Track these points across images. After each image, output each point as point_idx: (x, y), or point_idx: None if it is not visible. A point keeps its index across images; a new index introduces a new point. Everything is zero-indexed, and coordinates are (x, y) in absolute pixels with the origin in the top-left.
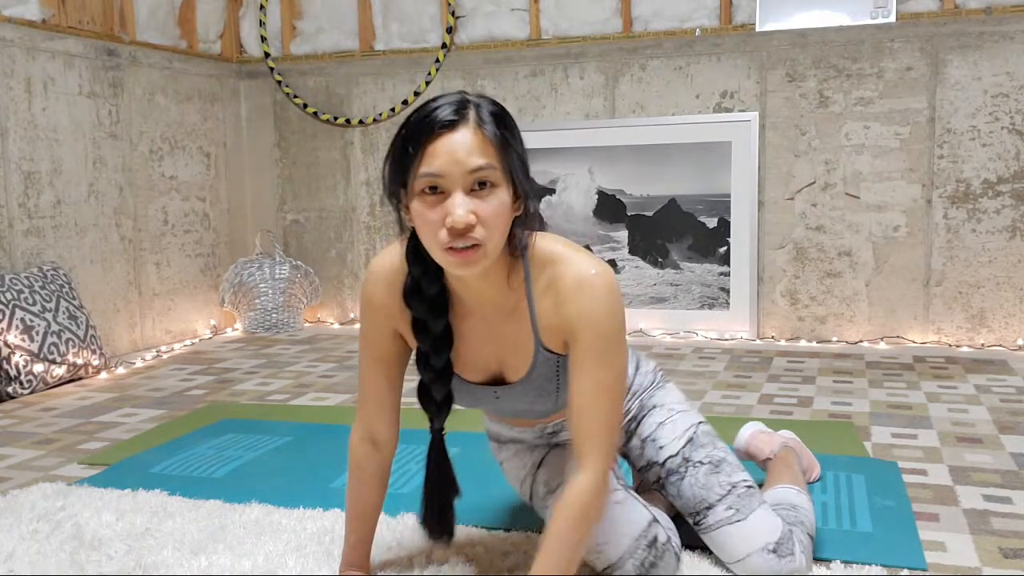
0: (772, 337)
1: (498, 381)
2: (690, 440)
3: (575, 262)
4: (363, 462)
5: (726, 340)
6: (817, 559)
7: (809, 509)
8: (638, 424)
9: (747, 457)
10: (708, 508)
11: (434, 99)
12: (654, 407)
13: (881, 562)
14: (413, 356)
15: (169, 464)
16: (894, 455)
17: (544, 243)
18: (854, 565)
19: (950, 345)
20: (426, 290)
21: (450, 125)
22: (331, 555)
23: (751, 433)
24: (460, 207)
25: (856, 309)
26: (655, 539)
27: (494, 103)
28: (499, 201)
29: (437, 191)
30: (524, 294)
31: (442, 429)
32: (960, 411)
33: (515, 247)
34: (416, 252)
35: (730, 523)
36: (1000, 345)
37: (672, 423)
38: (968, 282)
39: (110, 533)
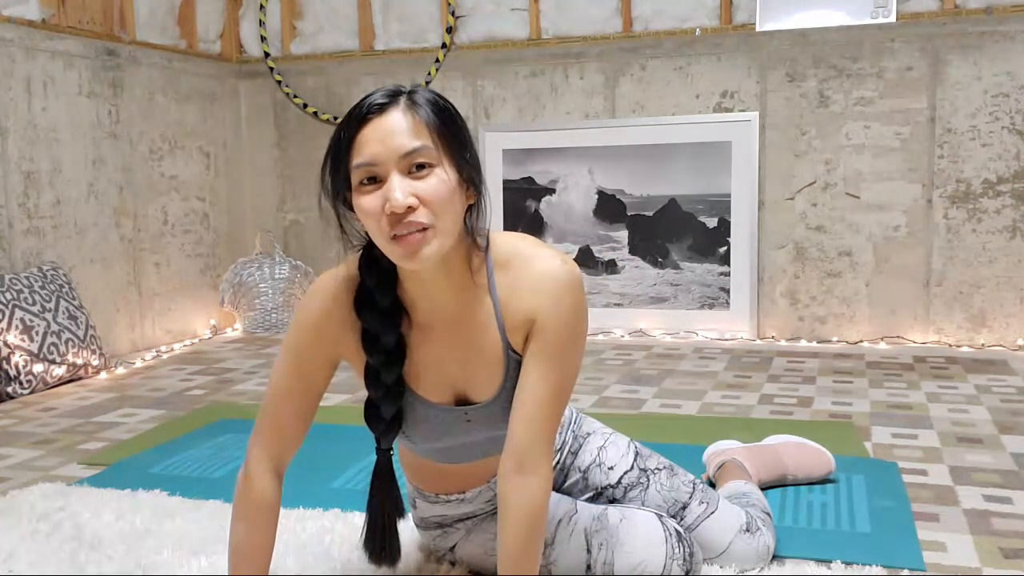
0: (772, 337)
1: (463, 403)
2: (637, 453)
3: (540, 256)
4: (268, 498)
5: (726, 340)
6: (817, 559)
7: (756, 493)
8: (575, 456)
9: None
10: (683, 508)
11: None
12: (588, 434)
13: (881, 563)
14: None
15: (169, 464)
16: (894, 455)
17: (506, 239)
18: (854, 565)
19: (950, 345)
20: (380, 301)
21: (379, 109)
22: (331, 555)
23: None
24: (397, 190)
25: (856, 309)
26: (676, 531)
27: (433, 92)
28: (439, 180)
29: (375, 181)
30: (488, 295)
31: (390, 449)
32: (960, 411)
33: (475, 243)
34: (370, 262)
35: (706, 517)
36: (1000, 345)
37: (613, 444)
38: (968, 282)
39: (110, 533)
